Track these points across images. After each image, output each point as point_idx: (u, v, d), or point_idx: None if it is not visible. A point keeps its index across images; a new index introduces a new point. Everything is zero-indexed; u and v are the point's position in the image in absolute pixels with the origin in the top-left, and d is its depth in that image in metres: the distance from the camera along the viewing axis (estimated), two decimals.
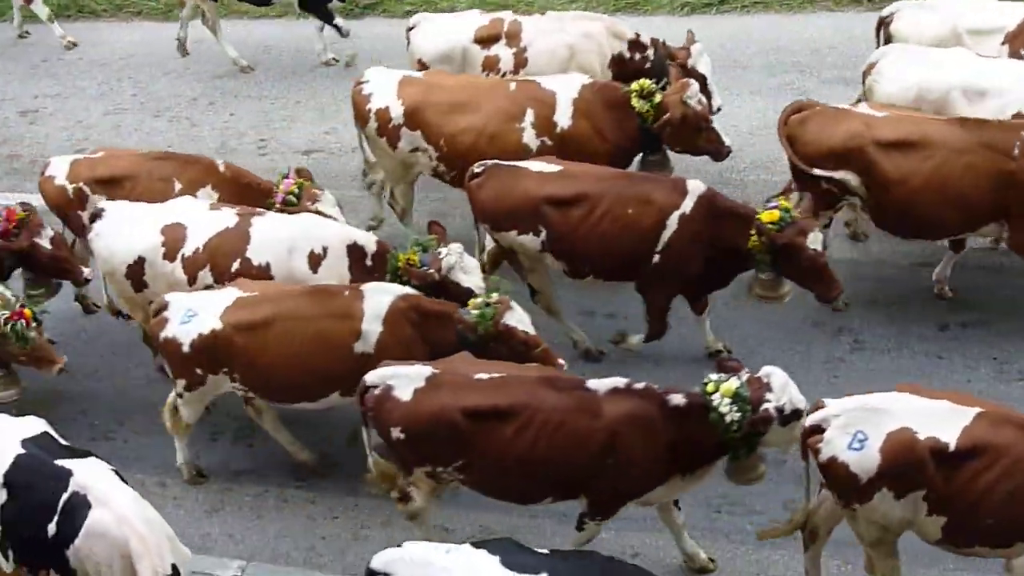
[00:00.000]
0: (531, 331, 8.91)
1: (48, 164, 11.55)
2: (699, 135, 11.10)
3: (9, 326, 9.76)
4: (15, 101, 16.60)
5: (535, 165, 10.39)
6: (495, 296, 8.96)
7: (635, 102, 11.08)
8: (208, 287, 9.78)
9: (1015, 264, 10.96)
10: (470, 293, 9.23)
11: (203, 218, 10.10)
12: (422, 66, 12.77)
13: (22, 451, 7.81)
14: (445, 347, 8.79)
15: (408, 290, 9.28)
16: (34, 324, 9.92)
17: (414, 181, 12.15)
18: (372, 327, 9.03)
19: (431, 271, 9.39)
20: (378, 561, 7.07)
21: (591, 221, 10.00)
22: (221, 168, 11.23)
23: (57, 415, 10.70)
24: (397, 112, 11.61)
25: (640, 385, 8.12)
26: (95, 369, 11.35)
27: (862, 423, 7.33)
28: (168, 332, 9.32)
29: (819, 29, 15.52)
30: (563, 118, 11.23)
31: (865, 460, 7.26)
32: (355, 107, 11.95)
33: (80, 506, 7.46)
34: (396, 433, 8.26)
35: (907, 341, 10.58)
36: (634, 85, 11.18)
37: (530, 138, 11.24)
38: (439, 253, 9.51)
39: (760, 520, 8.96)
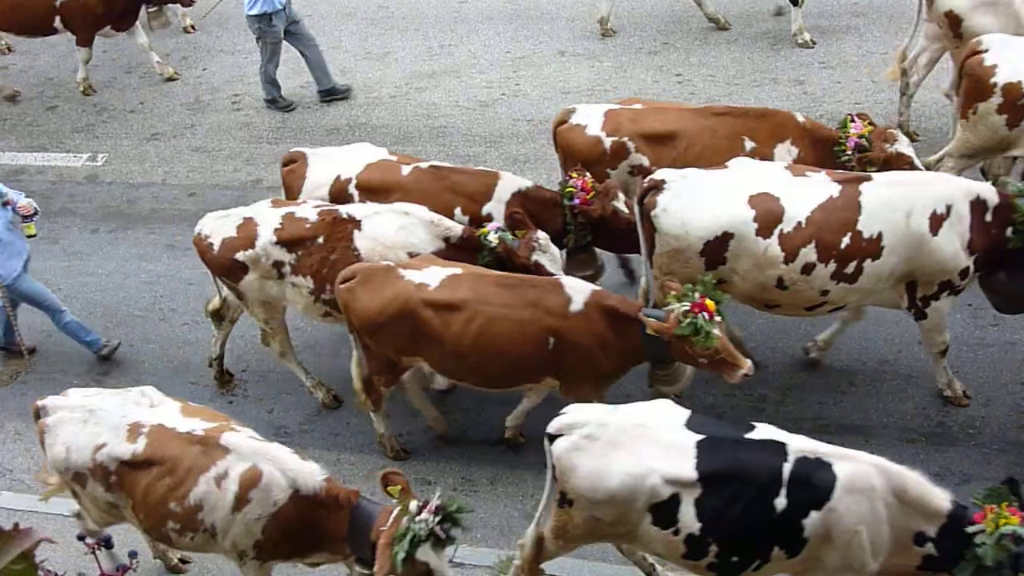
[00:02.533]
0: None
1: (573, 111, 10.13)
2: None
3: (688, 321, 8.00)
4: None
5: None
6: None
7: None
8: (807, 266, 8.57)
9: None
10: None
11: (799, 188, 8.70)
12: (951, 19, 10.90)
13: (700, 437, 6.89)
14: None
15: None
16: (717, 318, 8.05)
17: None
18: None
19: None
20: None
21: None
22: (800, 120, 9.84)
23: (35, 374, 10.74)
24: None
25: None
26: None
27: None
28: None
29: None
30: None
31: None
32: (974, 78, 10.01)
33: (816, 469, 6.70)
34: None
35: None
36: None
37: None
38: None
39: None
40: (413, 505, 6.92)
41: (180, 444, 7.39)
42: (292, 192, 9.95)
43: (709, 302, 7.99)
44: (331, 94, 14.35)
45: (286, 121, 14.22)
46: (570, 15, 15.52)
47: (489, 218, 9.45)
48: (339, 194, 9.76)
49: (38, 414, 7.86)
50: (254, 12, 13.57)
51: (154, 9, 14.54)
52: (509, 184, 9.60)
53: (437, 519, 6.85)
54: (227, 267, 9.38)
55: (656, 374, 8.66)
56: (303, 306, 9.43)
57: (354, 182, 9.75)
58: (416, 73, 14.79)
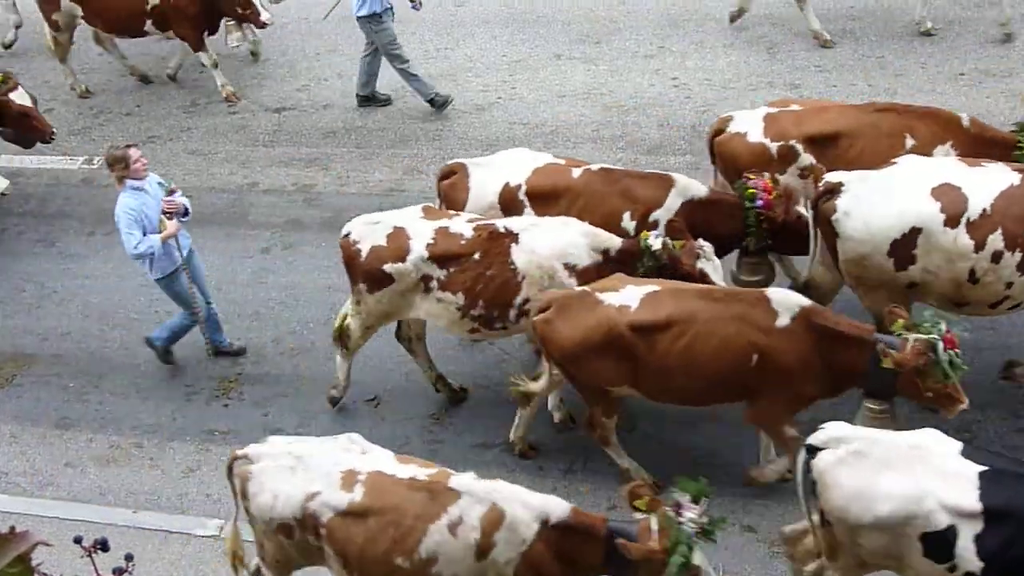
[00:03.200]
0: None
1: (730, 119, 10.01)
2: None
3: (944, 358, 7.56)
4: None
5: None
6: None
7: None
8: (996, 254, 8.29)
9: None
10: None
11: (978, 177, 8.51)
12: None
13: (982, 468, 6.43)
14: None
15: None
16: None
17: None
18: None
19: None
20: None
21: None
22: (965, 122, 9.57)
23: (30, 377, 10.72)
24: None
25: None
26: (68, 331, 11.26)
27: None
28: None
29: None
30: None
31: None
32: None
33: None
34: None
35: None
36: None
37: None
38: None
39: (737, 471, 9.02)
40: (675, 513, 6.64)
41: (402, 492, 6.86)
42: (455, 206, 9.63)
43: (954, 334, 7.66)
44: (368, 100, 14.18)
45: (282, 124, 14.22)
46: (566, 19, 15.54)
47: (655, 225, 9.19)
48: (509, 202, 9.52)
49: (232, 466, 7.35)
50: (363, 13, 13.32)
51: (232, 22, 14.25)
52: (683, 190, 9.34)
53: (705, 521, 6.63)
54: (372, 276, 9.08)
55: (870, 410, 8.06)
56: (447, 321, 9.13)
57: (524, 189, 9.50)
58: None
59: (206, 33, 14.46)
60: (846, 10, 14.76)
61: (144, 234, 9.82)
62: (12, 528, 3.14)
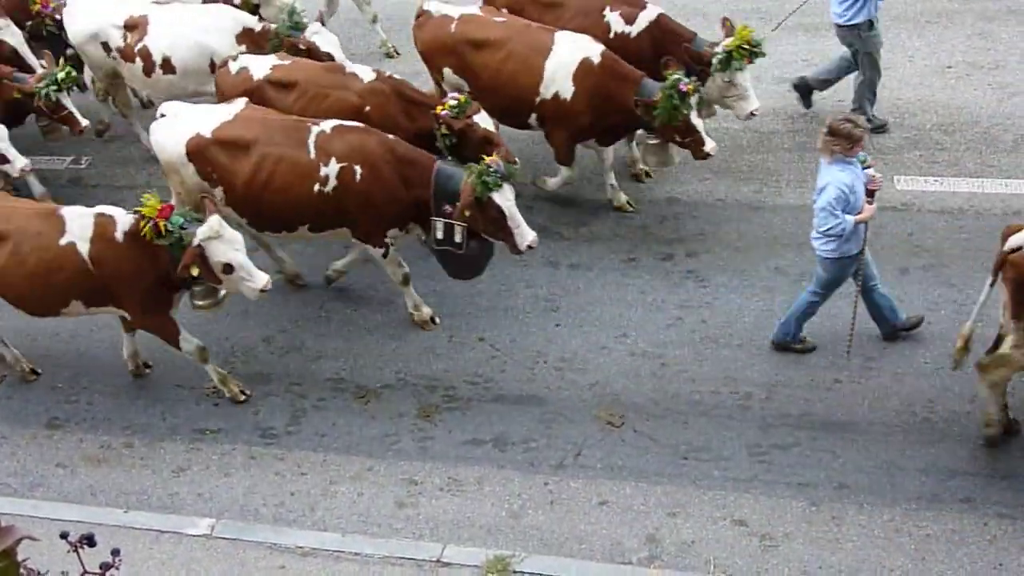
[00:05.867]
0: None
1: None
2: None
3: None
4: None
5: None
6: None
7: None
8: None
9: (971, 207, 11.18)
10: None
11: None
12: None
13: None
14: None
15: None
16: None
17: None
18: None
19: None
20: None
21: None
22: None
23: (18, 379, 10.69)
24: None
25: None
26: (56, 331, 11.22)
27: None
28: None
29: None
30: None
31: None
32: None
33: None
34: None
35: None
36: None
37: None
38: None
39: (727, 465, 9.04)
40: None
41: None
42: None
43: None
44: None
45: None
46: None
47: None
48: None
49: None
50: (858, 21, 12.26)
51: (656, 142, 11.95)
52: None
53: None
54: None
55: None
56: None
57: None
58: (404, 75, 14.73)
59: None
60: None
61: (844, 212, 9.15)
62: None
